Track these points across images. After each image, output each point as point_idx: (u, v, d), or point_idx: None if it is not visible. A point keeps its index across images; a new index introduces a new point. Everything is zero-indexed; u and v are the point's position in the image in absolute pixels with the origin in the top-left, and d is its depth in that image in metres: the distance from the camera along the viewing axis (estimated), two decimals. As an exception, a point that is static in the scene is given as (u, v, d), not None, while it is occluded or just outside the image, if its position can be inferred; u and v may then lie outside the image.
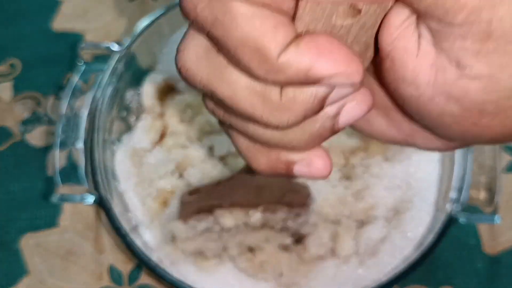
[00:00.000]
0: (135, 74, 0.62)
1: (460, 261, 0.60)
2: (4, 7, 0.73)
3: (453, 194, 0.55)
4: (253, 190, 0.52)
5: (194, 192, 0.54)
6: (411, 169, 0.58)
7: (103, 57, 0.60)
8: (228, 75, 0.24)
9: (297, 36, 0.23)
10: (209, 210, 0.54)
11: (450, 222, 0.54)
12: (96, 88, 0.59)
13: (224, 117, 0.27)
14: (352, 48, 0.24)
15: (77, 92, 0.59)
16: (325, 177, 0.28)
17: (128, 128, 0.62)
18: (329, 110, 0.25)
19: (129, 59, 0.61)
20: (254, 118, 0.25)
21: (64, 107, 0.58)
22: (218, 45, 0.24)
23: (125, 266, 0.60)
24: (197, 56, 0.25)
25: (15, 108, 0.67)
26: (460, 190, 0.55)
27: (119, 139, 0.61)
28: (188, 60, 0.26)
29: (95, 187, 0.55)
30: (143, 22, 0.62)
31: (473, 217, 0.55)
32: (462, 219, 0.54)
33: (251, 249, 0.54)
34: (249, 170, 0.46)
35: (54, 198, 0.55)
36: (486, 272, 0.60)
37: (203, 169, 0.58)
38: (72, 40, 0.71)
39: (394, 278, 0.53)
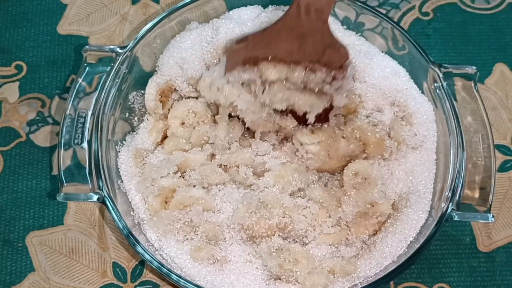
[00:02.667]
0: (138, 76, 0.63)
1: (455, 259, 0.61)
2: (10, 10, 0.74)
3: (448, 193, 0.56)
4: (297, 40, 0.52)
5: (242, 40, 0.54)
6: (407, 168, 0.59)
7: (106, 59, 0.61)
8: None
9: None
10: (254, 61, 0.55)
11: (445, 220, 0.54)
12: (99, 90, 0.59)
13: None
14: None
15: (81, 94, 0.59)
16: None
17: (131, 128, 0.63)
18: None
19: (132, 62, 0.62)
20: None
21: (68, 108, 0.59)
22: None
23: (128, 263, 0.61)
24: None
25: (21, 109, 0.68)
26: (455, 189, 0.56)
27: (122, 140, 0.62)
28: None
29: (99, 186, 0.56)
30: (146, 25, 0.62)
31: (467, 215, 0.55)
32: (457, 218, 0.55)
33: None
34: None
35: (59, 197, 0.55)
36: (481, 269, 0.61)
37: (202, 171, 0.59)
38: (77, 43, 0.72)
39: (389, 274, 0.54)
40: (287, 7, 0.63)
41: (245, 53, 0.54)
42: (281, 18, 0.52)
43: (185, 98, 0.63)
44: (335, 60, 0.54)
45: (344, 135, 0.59)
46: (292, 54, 0.53)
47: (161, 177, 0.58)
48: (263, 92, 0.56)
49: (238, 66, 0.55)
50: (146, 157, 0.61)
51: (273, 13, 0.62)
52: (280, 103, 0.56)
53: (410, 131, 0.60)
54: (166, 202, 0.58)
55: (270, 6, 0.64)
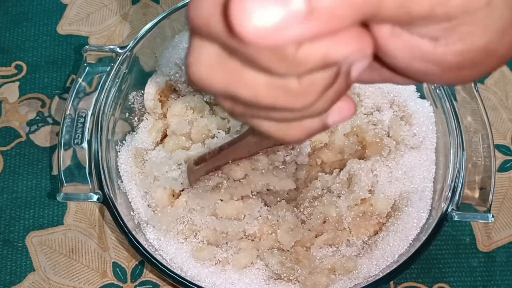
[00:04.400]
0: (138, 76, 0.63)
1: (455, 259, 0.61)
2: (10, 10, 0.74)
3: (448, 193, 0.56)
4: (253, 144, 0.53)
5: (200, 161, 0.55)
6: (407, 168, 0.59)
7: (106, 59, 0.61)
8: (246, 77, 0.25)
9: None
10: (216, 169, 0.56)
11: (445, 220, 0.54)
12: (99, 90, 0.59)
13: (245, 111, 0.28)
14: None
15: (81, 94, 0.59)
16: (354, 113, 0.30)
17: (131, 128, 0.63)
18: (343, 75, 0.26)
19: (132, 61, 0.62)
20: (278, 108, 0.26)
21: (68, 108, 0.59)
22: (233, 51, 0.24)
23: (128, 263, 0.61)
24: (210, 65, 0.25)
25: (21, 109, 0.68)
26: (454, 189, 0.56)
27: (122, 139, 0.62)
28: (201, 70, 0.26)
29: (99, 186, 0.56)
30: (146, 25, 0.62)
31: (467, 215, 0.55)
32: (456, 218, 0.54)
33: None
34: (254, 133, 0.47)
35: (59, 197, 0.55)
36: (481, 270, 0.61)
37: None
38: (77, 43, 0.72)
39: (390, 274, 0.53)
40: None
41: (205, 169, 0.56)
42: (238, 139, 0.53)
43: (182, 96, 0.63)
44: (275, 142, 0.55)
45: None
46: (250, 153, 0.55)
47: (161, 176, 0.58)
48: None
49: (200, 178, 0.57)
50: (146, 156, 0.61)
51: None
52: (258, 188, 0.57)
53: (409, 131, 0.60)
54: (173, 195, 0.58)
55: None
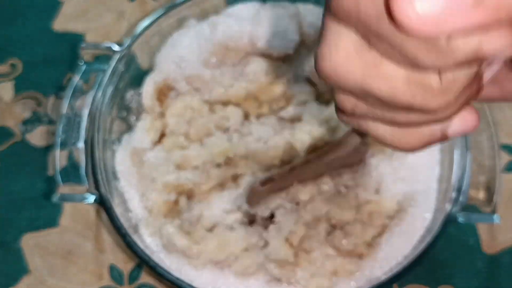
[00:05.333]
0: (135, 74, 0.62)
1: (460, 261, 0.61)
2: (5, 7, 0.73)
3: (452, 194, 0.55)
4: (324, 165, 0.52)
5: (268, 182, 0.54)
6: (411, 168, 0.58)
7: (103, 57, 0.60)
8: (384, 70, 0.24)
9: None
10: (280, 190, 0.55)
11: (450, 221, 0.54)
12: (96, 88, 0.59)
13: (368, 111, 0.27)
14: None
15: (78, 92, 0.59)
16: (477, 127, 0.28)
17: (129, 128, 0.62)
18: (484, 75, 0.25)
19: (129, 59, 0.61)
20: (413, 107, 0.25)
21: (64, 107, 0.58)
22: (376, 40, 0.23)
23: (125, 266, 0.60)
24: (348, 55, 0.24)
25: (16, 108, 0.67)
26: (459, 189, 0.55)
27: (119, 139, 0.61)
28: (337, 61, 0.24)
29: (96, 187, 0.55)
30: (143, 23, 0.62)
31: (472, 216, 0.55)
32: (461, 219, 0.54)
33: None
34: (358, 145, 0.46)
35: (55, 198, 0.55)
36: (486, 271, 0.60)
37: (203, 170, 0.58)
38: (73, 41, 0.71)
39: (393, 277, 0.53)
40: (286, 3, 0.63)
41: (270, 189, 0.55)
42: (309, 157, 0.53)
43: (181, 95, 0.63)
44: (356, 158, 0.55)
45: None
46: (317, 173, 0.54)
47: (159, 176, 0.58)
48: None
49: (263, 200, 0.55)
50: (143, 156, 0.60)
51: (272, 10, 0.61)
52: (314, 215, 0.56)
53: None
54: (165, 202, 0.57)
55: (268, 1, 0.63)
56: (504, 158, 0.65)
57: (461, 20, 0.20)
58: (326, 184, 0.55)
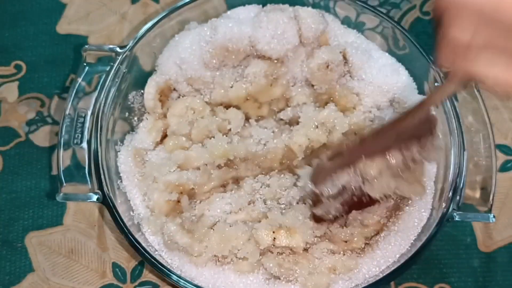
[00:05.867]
0: (137, 76, 0.63)
1: (456, 259, 0.61)
2: (9, 9, 0.73)
3: (449, 193, 0.56)
4: (394, 136, 0.50)
5: (336, 155, 0.52)
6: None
7: (106, 59, 0.61)
8: None
9: None
10: (347, 165, 0.52)
11: (446, 220, 0.54)
12: (99, 89, 0.59)
13: (488, 40, 0.24)
14: None
15: (81, 93, 0.59)
16: None
17: (131, 128, 0.63)
18: None
19: (132, 61, 0.62)
20: None
21: (67, 107, 0.58)
22: None
23: (128, 264, 0.61)
24: None
25: (20, 108, 0.68)
26: (456, 189, 0.56)
27: (121, 139, 0.61)
28: None
29: (99, 186, 0.56)
30: (145, 25, 0.62)
31: (468, 215, 0.55)
32: (458, 218, 0.54)
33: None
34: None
35: (58, 197, 0.55)
36: (482, 270, 0.61)
37: (204, 171, 0.58)
38: (76, 42, 0.72)
39: (390, 274, 0.53)
40: (285, 6, 0.63)
41: (337, 165, 0.52)
42: (386, 128, 0.50)
43: (182, 96, 0.63)
44: (426, 129, 0.52)
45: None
46: (385, 146, 0.51)
47: (161, 176, 0.58)
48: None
49: (330, 176, 0.52)
50: (145, 156, 0.60)
51: (272, 13, 0.61)
52: (382, 192, 0.53)
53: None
54: (166, 201, 0.58)
55: (268, 4, 0.64)
56: (500, 158, 0.65)
57: None
58: (393, 158, 0.51)
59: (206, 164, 0.59)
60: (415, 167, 0.53)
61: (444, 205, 0.55)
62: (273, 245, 0.55)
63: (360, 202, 0.53)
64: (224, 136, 0.60)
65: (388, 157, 0.51)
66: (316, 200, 0.54)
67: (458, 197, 0.55)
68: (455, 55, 0.26)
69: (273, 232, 0.55)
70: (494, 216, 0.55)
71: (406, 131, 0.49)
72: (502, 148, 0.66)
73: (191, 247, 0.55)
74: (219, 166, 0.59)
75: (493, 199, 0.55)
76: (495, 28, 0.23)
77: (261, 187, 0.58)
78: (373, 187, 0.52)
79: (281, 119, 0.62)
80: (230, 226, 0.56)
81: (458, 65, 0.27)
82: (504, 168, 0.65)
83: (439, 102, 0.47)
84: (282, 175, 0.59)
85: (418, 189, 0.54)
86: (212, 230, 0.55)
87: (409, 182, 0.53)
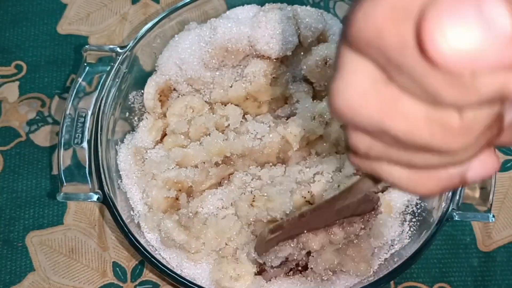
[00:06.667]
0: (138, 76, 0.63)
1: (456, 258, 0.61)
2: (10, 10, 0.74)
3: (448, 193, 0.55)
4: (335, 213, 0.51)
5: (276, 229, 0.53)
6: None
7: (106, 59, 0.61)
8: (403, 107, 0.22)
9: None
10: (290, 238, 0.53)
11: (446, 220, 0.54)
12: (99, 89, 0.59)
13: (384, 153, 0.25)
14: None
15: (81, 93, 0.59)
16: (497, 170, 0.26)
17: (131, 128, 0.63)
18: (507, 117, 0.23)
19: (132, 61, 0.62)
20: (431, 147, 0.23)
21: (68, 107, 0.59)
22: (397, 73, 0.21)
23: (128, 263, 0.61)
24: (364, 91, 0.22)
25: (21, 108, 0.68)
26: (455, 188, 0.55)
27: (122, 139, 0.62)
28: (353, 97, 0.22)
29: (99, 186, 0.56)
30: (146, 25, 0.62)
31: (468, 215, 0.55)
32: (457, 217, 0.54)
33: None
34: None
35: (59, 197, 0.55)
36: (481, 269, 0.61)
37: (202, 168, 0.59)
38: (76, 43, 0.72)
39: (390, 274, 0.53)
40: (284, 4, 0.63)
41: (279, 238, 0.53)
42: (321, 203, 0.51)
43: (182, 96, 0.63)
44: (368, 207, 0.53)
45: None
46: (327, 221, 0.52)
47: (161, 174, 0.58)
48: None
49: (272, 248, 0.53)
50: (145, 154, 0.60)
51: (271, 12, 0.61)
52: (326, 266, 0.55)
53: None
54: (166, 199, 0.58)
55: (267, 4, 0.64)
56: (500, 157, 0.65)
57: (494, 57, 0.19)
58: (336, 235, 0.53)
59: (204, 162, 0.59)
60: (360, 244, 0.54)
61: (443, 204, 0.55)
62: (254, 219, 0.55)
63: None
64: (221, 133, 0.60)
65: (330, 232, 0.53)
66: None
67: (457, 197, 0.55)
68: (359, 159, 0.27)
69: (253, 199, 0.55)
70: (493, 216, 0.55)
71: (346, 209, 0.50)
72: (501, 147, 0.66)
73: (188, 244, 0.55)
74: (216, 164, 0.59)
75: (492, 199, 0.55)
76: (385, 140, 0.24)
77: (252, 179, 0.58)
78: (316, 261, 0.54)
79: (279, 116, 0.62)
80: (222, 219, 0.56)
81: (363, 167, 0.28)
82: (503, 167, 0.65)
83: (367, 192, 0.49)
84: (272, 166, 0.59)
85: (362, 268, 0.54)
86: (205, 225, 0.56)
87: (353, 260, 0.54)
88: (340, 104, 0.23)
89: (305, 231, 0.52)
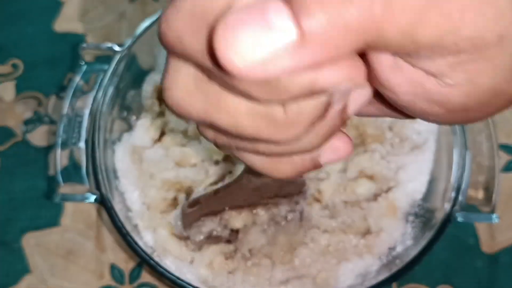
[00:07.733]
0: (135, 75, 0.62)
1: (459, 260, 0.61)
2: (6, 8, 0.73)
3: (451, 194, 0.55)
4: (251, 191, 0.51)
5: (194, 203, 0.54)
6: (404, 166, 0.59)
7: (104, 57, 0.60)
8: (226, 103, 0.23)
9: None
10: (213, 213, 0.54)
11: (449, 221, 0.54)
12: (97, 88, 0.59)
13: (229, 142, 0.26)
14: None
15: (78, 92, 0.59)
16: (351, 153, 0.28)
17: (129, 127, 0.62)
18: (335, 107, 0.24)
19: (130, 60, 0.61)
20: (262, 139, 0.24)
21: (65, 107, 0.58)
22: (211, 73, 0.23)
23: (126, 265, 0.60)
24: (188, 89, 0.24)
25: (17, 108, 0.67)
26: (458, 189, 0.55)
27: (120, 139, 0.61)
28: (178, 95, 0.24)
29: (97, 186, 0.55)
30: (144, 23, 0.62)
31: (471, 216, 0.55)
32: (460, 218, 0.54)
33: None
34: (252, 172, 0.46)
35: (56, 198, 0.55)
36: (485, 271, 0.60)
37: (201, 167, 0.58)
38: (74, 41, 0.71)
39: (393, 275, 0.53)
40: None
41: (200, 212, 0.54)
42: (234, 181, 0.52)
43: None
44: (293, 189, 0.54)
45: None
46: (249, 201, 0.53)
47: (159, 174, 0.58)
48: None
49: (195, 222, 0.55)
50: (143, 154, 0.60)
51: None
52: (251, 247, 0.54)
53: (412, 128, 0.59)
54: (164, 199, 0.57)
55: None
56: (503, 158, 0.65)
57: (288, 61, 0.20)
58: (259, 216, 0.53)
59: (203, 161, 0.58)
60: (290, 229, 0.54)
61: (446, 205, 0.55)
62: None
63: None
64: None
65: (254, 212, 0.53)
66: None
67: (460, 198, 0.55)
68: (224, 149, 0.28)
69: None
70: (497, 217, 0.54)
71: (265, 188, 0.51)
72: (505, 148, 0.66)
73: (182, 256, 0.54)
74: (216, 162, 0.59)
75: (496, 200, 0.55)
76: (224, 132, 0.25)
77: None
78: (242, 241, 0.54)
79: None
80: None
81: (229, 154, 0.30)
82: (507, 168, 0.65)
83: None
84: None
85: (286, 259, 0.54)
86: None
87: (282, 249, 0.54)
88: (169, 101, 0.24)
89: (227, 208, 0.53)
